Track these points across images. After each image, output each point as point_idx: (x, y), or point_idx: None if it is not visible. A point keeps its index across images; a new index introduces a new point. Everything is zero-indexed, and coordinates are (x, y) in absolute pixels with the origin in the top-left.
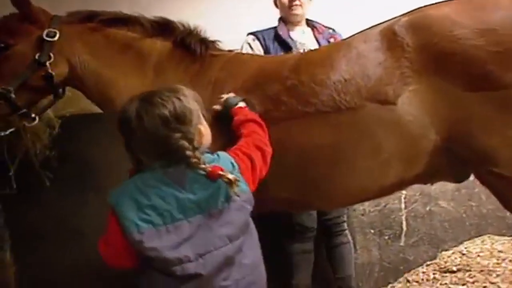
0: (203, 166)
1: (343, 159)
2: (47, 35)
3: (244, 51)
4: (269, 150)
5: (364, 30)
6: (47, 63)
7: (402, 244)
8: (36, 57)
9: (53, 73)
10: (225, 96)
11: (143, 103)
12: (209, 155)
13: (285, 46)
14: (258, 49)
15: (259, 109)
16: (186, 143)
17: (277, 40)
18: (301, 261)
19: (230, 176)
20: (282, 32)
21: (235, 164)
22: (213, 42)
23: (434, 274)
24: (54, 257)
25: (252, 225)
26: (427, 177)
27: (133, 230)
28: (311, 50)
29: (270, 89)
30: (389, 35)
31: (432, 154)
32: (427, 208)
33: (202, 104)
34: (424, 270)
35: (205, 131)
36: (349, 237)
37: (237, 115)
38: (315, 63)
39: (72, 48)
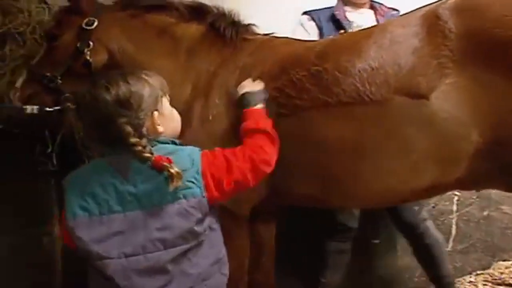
0: (147, 155)
1: (367, 156)
2: (86, 24)
3: (297, 32)
4: (265, 168)
5: (407, 12)
6: (86, 51)
7: (449, 249)
8: (78, 45)
9: (91, 60)
10: (247, 87)
11: (90, 87)
12: (169, 145)
13: (340, 27)
14: (312, 30)
15: (282, 96)
16: (129, 128)
17: (332, 20)
18: (337, 260)
19: (173, 170)
20: (338, 12)
21: (196, 162)
22: (246, 26)
23: (484, 285)
24: None
25: (212, 234)
26: (471, 183)
27: (70, 216)
28: (343, 35)
29: (295, 75)
30: (431, 19)
31: (475, 157)
32: (485, 213)
33: (166, 90)
34: (472, 280)
35: (162, 119)
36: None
37: (248, 119)
38: (343, 49)
39: (110, 35)
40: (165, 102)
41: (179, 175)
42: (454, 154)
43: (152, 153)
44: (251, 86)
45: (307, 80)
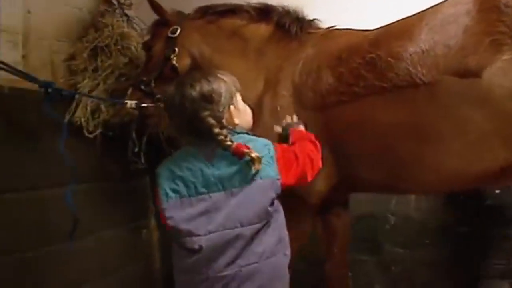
0: (228, 143)
1: (425, 138)
2: (171, 32)
3: None
4: (318, 164)
5: None
6: (172, 56)
7: None
8: (166, 52)
9: (177, 65)
10: (287, 119)
11: (176, 86)
12: (246, 135)
13: None
14: None
15: (341, 84)
16: (212, 120)
17: None
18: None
19: (254, 154)
20: None
21: (271, 150)
22: (311, 21)
23: None
24: None
25: (277, 215)
26: None
27: (164, 198)
28: (396, 21)
29: (351, 64)
30: None
31: None
32: None
33: (238, 87)
34: None
35: (237, 113)
36: None
37: (294, 135)
38: (395, 35)
39: (191, 41)
40: (239, 97)
41: (259, 159)
42: None
43: (232, 142)
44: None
45: (363, 67)
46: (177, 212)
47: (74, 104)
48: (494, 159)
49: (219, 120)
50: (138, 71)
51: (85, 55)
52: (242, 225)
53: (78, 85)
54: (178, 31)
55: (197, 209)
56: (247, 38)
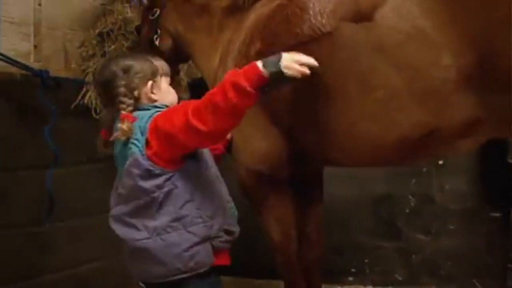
0: (122, 110)
1: (332, 99)
2: (151, 15)
3: None
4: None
5: None
6: (155, 38)
7: None
8: (150, 35)
9: (159, 46)
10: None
11: (105, 62)
12: (154, 108)
13: None
14: None
15: (263, 47)
16: (122, 88)
17: None
18: None
19: (121, 125)
20: None
21: (149, 121)
22: None
23: None
24: None
25: (170, 192)
26: (489, 127)
27: None
28: None
29: (274, 23)
30: None
31: (460, 89)
32: None
33: (166, 71)
34: None
35: (157, 90)
36: None
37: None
38: None
39: (170, 21)
40: (164, 80)
41: (123, 131)
42: (430, 86)
43: (129, 111)
44: None
45: (280, 24)
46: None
47: (84, 89)
48: (410, 123)
49: (131, 91)
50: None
51: (93, 41)
52: (124, 203)
53: (87, 70)
54: (158, 12)
55: (115, 186)
56: (212, 14)
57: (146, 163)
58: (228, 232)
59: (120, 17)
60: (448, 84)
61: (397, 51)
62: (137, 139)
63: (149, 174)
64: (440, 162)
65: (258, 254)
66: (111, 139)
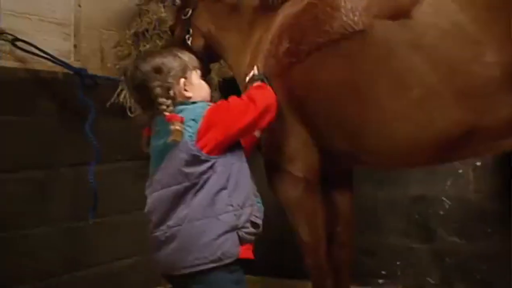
0: (165, 112)
1: (366, 98)
2: (184, 15)
3: None
4: (260, 105)
5: None
6: (187, 37)
7: None
8: (183, 35)
9: (191, 45)
10: (255, 70)
11: (133, 61)
12: (193, 104)
13: None
14: None
15: (291, 46)
16: (158, 90)
17: None
18: None
19: (174, 126)
20: None
21: (203, 111)
22: None
23: None
24: None
25: (209, 178)
26: None
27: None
28: None
29: (303, 21)
30: None
31: (503, 87)
32: None
33: (195, 65)
34: None
35: (190, 87)
36: None
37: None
38: None
39: (201, 21)
40: (194, 74)
41: (177, 132)
42: (471, 83)
43: (171, 112)
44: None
45: (308, 22)
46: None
47: (119, 88)
48: (449, 121)
49: (166, 90)
50: None
51: (129, 41)
52: (162, 187)
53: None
54: (190, 12)
55: (153, 176)
56: (243, 14)
57: (195, 149)
58: (254, 225)
59: (154, 17)
60: (490, 82)
61: (435, 48)
62: (189, 126)
63: (195, 160)
64: (478, 163)
65: (287, 254)
66: (168, 141)
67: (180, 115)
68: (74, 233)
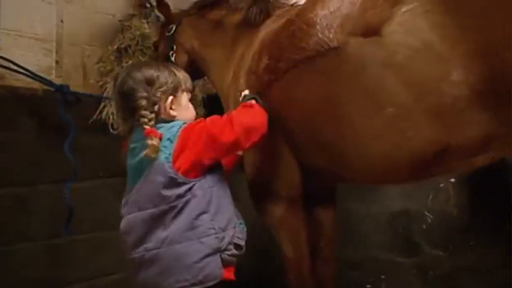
0: (146, 125)
1: (342, 116)
2: (167, 31)
3: None
4: (240, 124)
5: None
6: (171, 54)
7: None
8: (166, 51)
9: (175, 62)
10: (243, 93)
11: (127, 67)
12: (174, 122)
13: None
14: None
15: (271, 63)
16: (144, 102)
17: None
18: None
19: (151, 141)
20: None
21: (179, 130)
22: (269, 2)
23: None
24: None
25: (188, 201)
26: (504, 145)
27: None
28: None
29: (281, 38)
30: None
31: (472, 105)
32: None
33: (189, 86)
34: None
35: (177, 106)
36: None
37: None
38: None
39: (185, 37)
40: (185, 95)
41: (153, 147)
42: (442, 102)
43: (151, 126)
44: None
45: (286, 39)
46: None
47: (102, 104)
48: (423, 140)
49: (152, 104)
50: None
51: (112, 57)
52: (139, 209)
53: (105, 86)
54: (174, 29)
55: (129, 195)
56: (226, 30)
57: (172, 171)
58: (237, 247)
59: (137, 33)
60: (459, 100)
61: (407, 67)
62: (164, 147)
63: (172, 183)
64: (454, 179)
65: (270, 272)
66: (143, 156)
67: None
68: (55, 249)
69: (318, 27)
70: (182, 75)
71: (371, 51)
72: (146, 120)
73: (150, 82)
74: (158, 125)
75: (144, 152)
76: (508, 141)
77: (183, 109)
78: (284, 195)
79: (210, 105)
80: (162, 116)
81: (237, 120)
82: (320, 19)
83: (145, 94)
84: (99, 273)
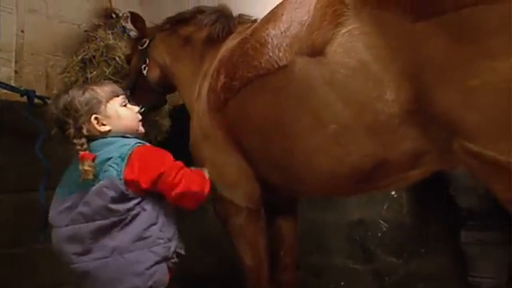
0: (79, 152)
1: (290, 133)
2: (140, 45)
3: None
4: (188, 185)
5: None
6: (143, 67)
7: None
8: (138, 65)
9: (147, 76)
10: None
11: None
12: (111, 139)
13: None
14: None
15: (227, 81)
16: (72, 131)
17: None
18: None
19: (83, 167)
20: None
21: (130, 150)
22: (233, 18)
23: None
24: None
25: (138, 214)
26: (436, 158)
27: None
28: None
29: (236, 55)
30: None
31: (404, 122)
32: None
33: (113, 94)
34: None
35: (107, 120)
36: None
37: None
38: (267, 18)
39: (158, 52)
40: (110, 105)
41: (86, 172)
42: (377, 120)
43: (85, 150)
44: None
45: (240, 58)
46: (53, 206)
47: None
48: (362, 155)
49: (79, 130)
50: (123, 83)
51: (76, 67)
52: (87, 221)
53: None
54: (146, 43)
55: (62, 206)
56: (194, 46)
57: (123, 187)
58: (178, 255)
59: (102, 43)
60: (392, 118)
61: (346, 86)
62: (116, 163)
63: (122, 198)
64: (393, 193)
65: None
66: (80, 180)
67: (99, 152)
68: (15, 260)
69: (269, 46)
70: (100, 89)
71: (315, 70)
72: (79, 147)
73: (66, 112)
74: (95, 143)
75: (81, 178)
76: (438, 156)
77: (115, 119)
78: (243, 206)
79: (177, 116)
80: (97, 133)
81: (186, 185)
82: (272, 38)
83: (70, 122)
84: (60, 283)
